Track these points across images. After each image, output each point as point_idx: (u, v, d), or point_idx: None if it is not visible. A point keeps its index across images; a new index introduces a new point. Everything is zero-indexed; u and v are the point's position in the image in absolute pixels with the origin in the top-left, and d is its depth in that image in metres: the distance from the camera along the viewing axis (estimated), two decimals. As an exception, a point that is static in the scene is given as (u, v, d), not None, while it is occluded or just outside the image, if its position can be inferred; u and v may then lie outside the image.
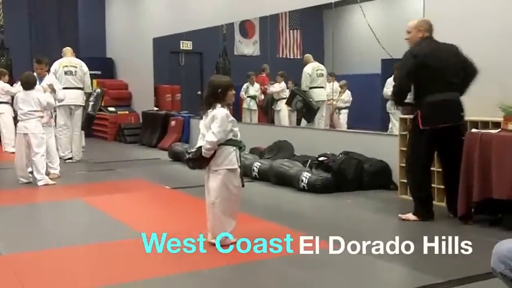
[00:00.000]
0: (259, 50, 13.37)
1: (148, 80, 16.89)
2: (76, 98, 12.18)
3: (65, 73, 12.12)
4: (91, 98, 12.72)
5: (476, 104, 7.56)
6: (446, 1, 8.20)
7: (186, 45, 15.83)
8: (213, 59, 14.26)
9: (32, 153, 9.42)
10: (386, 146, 8.70)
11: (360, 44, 11.22)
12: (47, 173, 9.69)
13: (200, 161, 5.70)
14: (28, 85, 9.54)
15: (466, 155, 6.60)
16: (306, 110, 12.07)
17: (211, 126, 5.61)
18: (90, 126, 13.62)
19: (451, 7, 8.12)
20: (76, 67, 12.31)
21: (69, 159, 12.05)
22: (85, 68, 12.49)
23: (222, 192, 5.70)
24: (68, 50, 12.62)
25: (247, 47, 13.63)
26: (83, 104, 12.43)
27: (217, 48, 14.07)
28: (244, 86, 13.41)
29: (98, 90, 13.47)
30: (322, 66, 11.95)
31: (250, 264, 5.38)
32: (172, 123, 15.06)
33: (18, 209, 7.98)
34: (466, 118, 7.34)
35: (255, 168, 9.87)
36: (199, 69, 15.98)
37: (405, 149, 8.17)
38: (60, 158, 10.87)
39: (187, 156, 5.87)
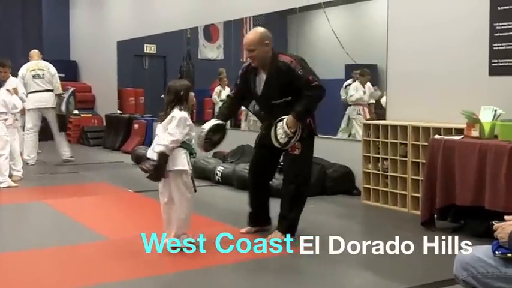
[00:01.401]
0: (223, 54, 13.34)
1: (112, 83, 16.79)
2: (46, 100, 12.20)
3: (33, 77, 12.12)
4: (65, 99, 12.67)
5: (439, 111, 7.63)
6: (411, 8, 8.25)
7: (150, 48, 15.78)
8: (177, 63, 14.21)
9: None
10: (350, 152, 8.73)
11: (324, 49, 11.23)
12: (10, 175, 9.61)
13: (160, 168, 5.63)
14: None
15: (429, 162, 6.64)
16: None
17: (169, 126, 5.57)
18: (65, 126, 13.60)
19: (415, 14, 8.17)
20: (43, 70, 12.29)
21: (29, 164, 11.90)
22: (52, 69, 12.44)
23: (175, 193, 5.69)
24: (34, 52, 12.61)
25: (211, 51, 13.59)
26: (54, 106, 12.36)
27: (181, 52, 14.02)
28: (217, 89, 13.36)
29: (70, 89, 13.44)
30: None
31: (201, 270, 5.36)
32: (136, 126, 14.99)
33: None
34: (429, 124, 7.41)
35: (218, 172, 9.85)
36: (163, 72, 15.91)
37: (367, 154, 8.24)
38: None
39: (147, 173, 5.74)
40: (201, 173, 10.36)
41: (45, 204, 8.28)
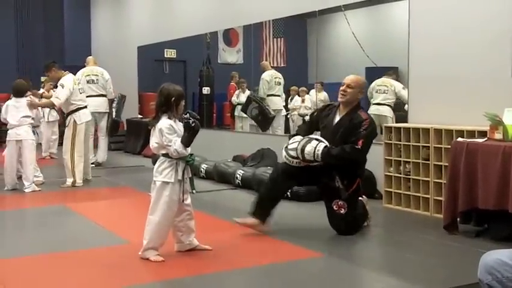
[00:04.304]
0: (242, 58, 13.36)
1: (133, 88, 16.86)
2: (99, 105, 12.63)
3: (87, 82, 12.55)
4: (114, 104, 13.37)
5: (462, 113, 7.57)
6: (432, 10, 8.19)
7: (170, 53, 15.83)
8: (197, 67, 14.24)
9: (23, 160, 9.44)
10: (371, 155, 8.66)
11: (344, 52, 11.21)
12: (31, 180, 9.68)
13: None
14: (20, 93, 9.65)
15: (452, 164, 6.57)
16: (261, 118, 12.13)
17: (163, 140, 5.47)
18: (116, 131, 13.89)
19: (436, 16, 8.11)
20: (98, 75, 12.82)
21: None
22: (106, 75, 12.93)
23: (152, 199, 5.65)
24: (90, 59, 13.23)
25: (231, 55, 13.61)
26: (107, 111, 12.93)
27: (201, 56, 14.04)
28: (237, 92, 13.40)
29: (119, 95, 13.77)
30: (279, 75, 12.11)
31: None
32: (156, 130, 15.00)
33: (2, 215, 8.04)
34: (452, 127, 7.35)
35: (238, 175, 9.85)
36: (183, 77, 15.95)
37: (389, 157, 8.19)
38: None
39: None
40: (221, 177, 10.38)
41: (66, 208, 8.34)
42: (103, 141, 13.12)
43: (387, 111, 9.74)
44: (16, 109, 9.49)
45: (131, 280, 5.14)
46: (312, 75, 11.29)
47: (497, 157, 6.08)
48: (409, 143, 7.92)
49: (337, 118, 6.68)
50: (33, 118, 9.68)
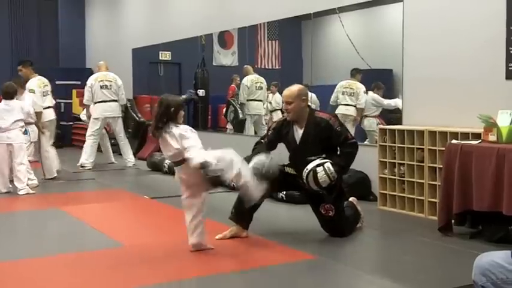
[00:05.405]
0: (237, 61, 13.34)
1: (128, 90, 16.77)
2: (113, 110, 12.77)
3: (101, 87, 12.68)
4: (130, 108, 13.67)
5: (456, 115, 7.58)
6: (426, 13, 8.19)
7: (165, 55, 15.80)
8: (192, 70, 14.24)
9: (14, 163, 9.40)
10: (366, 157, 8.67)
11: (339, 55, 11.20)
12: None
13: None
14: (9, 95, 9.61)
15: (446, 167, 6.58)
16: (235, 121, 12.27)
17: (184, 143, 5.55)
18: (140, 133, 13.98)
19: (430, 18, 8.12)
20: (111, 81, 12.90)
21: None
22: (119, 81, 13.02)
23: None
24: (102, 64, 13.27)
25: (226, 58, 13.60)
26: (120, 115, 12.99)
27: (195, 58, 14.02)
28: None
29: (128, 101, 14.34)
30: (262, 79, 12.14)
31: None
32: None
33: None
34: (446, 129, 7.36)
35: (233, 178, 9.83)
36: (178, 79, 15.93)
37: (383, 160, 8.20)
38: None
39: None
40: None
41: (61, 211, 8.29)
42: (125, 145, 13.15)
43: (353, 112, 10.05)
44: (7, 112, 9.44)
45: (127, 283, 5.14)
46: (307, 77, 11.28)
47: (491, 159, 6.10)
48: (403, 145, 7.93)
49: (299, 133, 6.59)
50: (23, 120, 9.63)
